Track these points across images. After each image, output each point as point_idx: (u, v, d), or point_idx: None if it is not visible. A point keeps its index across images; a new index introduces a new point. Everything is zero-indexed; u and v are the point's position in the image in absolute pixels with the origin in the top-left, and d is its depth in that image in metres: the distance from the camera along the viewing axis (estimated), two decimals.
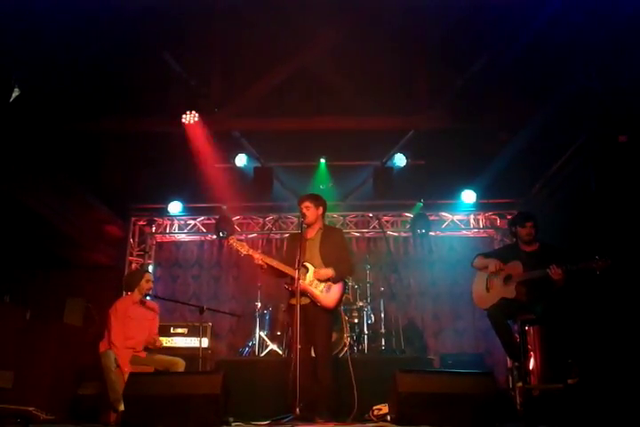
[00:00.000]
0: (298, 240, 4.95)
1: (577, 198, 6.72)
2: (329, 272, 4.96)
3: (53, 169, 7.12)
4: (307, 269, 4.98)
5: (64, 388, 6.48)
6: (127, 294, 5.82)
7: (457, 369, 6.15)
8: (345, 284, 5.21)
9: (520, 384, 4.91)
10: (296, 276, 4.76)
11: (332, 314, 5.13)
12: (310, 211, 5.12)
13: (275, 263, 4.94)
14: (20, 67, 5.78)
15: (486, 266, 5.25)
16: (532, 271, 4.94)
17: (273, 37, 5.99)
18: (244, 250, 5.01)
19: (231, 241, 5.24)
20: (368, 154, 7.77)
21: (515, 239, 5.38)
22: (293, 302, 4.85)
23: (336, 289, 5.00)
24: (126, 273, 8.54)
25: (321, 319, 4.94)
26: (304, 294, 4.87)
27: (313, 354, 5.02)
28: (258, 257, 4.95)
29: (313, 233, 5.17)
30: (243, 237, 8.88)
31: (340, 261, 5.06)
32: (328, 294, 4.96)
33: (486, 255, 5.45)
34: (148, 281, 5.70)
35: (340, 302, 5.10)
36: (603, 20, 5.20)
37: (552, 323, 4.99)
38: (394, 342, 7.36)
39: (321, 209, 5.19)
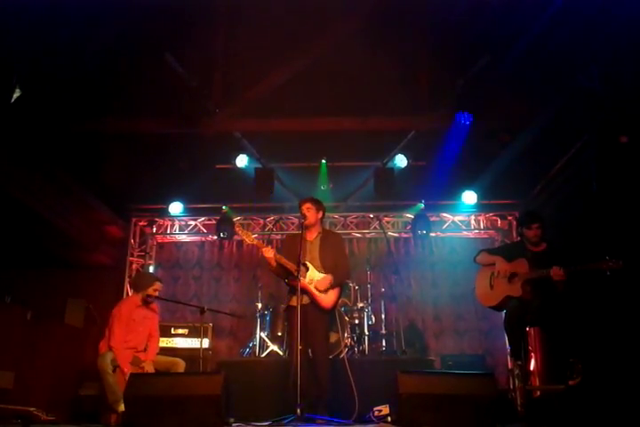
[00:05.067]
0: (297, 240, 4.97)
1: (578, 199, 6.71)
2: (328, 280, 5.00)
3: (54, 169, 7.12)
4: (307, 268, 5.01)
5: (65, 388, 6.48)
6: (132, 294, 5.80)
7: (457, 370, 6.15)
8: (342, 288, 5.25)
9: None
10: (298, 276, 4.77)
11: (329, 315, 5.17)
12: (311, 212, 5.16)
13: (278, 257, 4.96)
14: (22, 67, 5.78)
15: (492, 263, 5.22)
16: (538, 270, 4.93)
17: (274, 38, 5.99)
18: (249, 239, 5.04)
19: (237, 229, 5.28)
20: (369, 155, 7.76)
21: (521, 238, 5.37)
22: (293, 303, 4.87)
23: (333, 292, 5.05)
24: (139, 272, 8.58)
25: (318, 320, 4.98)
26: (304, 292, 4.89)
27: (310, 355, 5.03)
28: (267, 249, 4.95)
29: (312, 236, 5.21)
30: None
31: (338, 266, 5.11)
32: (326, 296, 5.01)
33: (491, 252, 5.44)
34: (155, 290, 5.68)
35: (336, 304, 5.16)
36: (603, 20, 5.19)
37: (553, 324, 5.00)
38: (394, 342, 7.35)
39: (321, 213, 5.26)
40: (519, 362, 5.04)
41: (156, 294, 5.71)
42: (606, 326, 5.58)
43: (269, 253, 4.93)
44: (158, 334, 5.81)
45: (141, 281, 5.85)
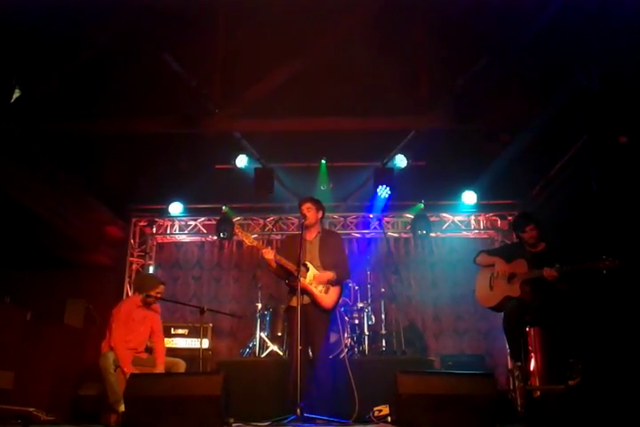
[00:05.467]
0: (297, 241, 4.97)
1: (577, 199, 6.71)
2: (329, 275, 5.00)
3: (54, 170, 7.12)
4: (307, 269, 5.01)
5: (65, 389, 6.48)
6: (133, 295, 5.80)
7: (457, 370, 6.15)
8: (342, 287, 5.25)
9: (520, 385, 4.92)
10: (298, 276, 4.77)
11: (330, 315, 5.16)
12: (311, 212, 5.17)
13: (277, 257, 4.96)
14: (21, 67, 5.79)
15: (491, 264, 5.24)
16: (535, 271, 4.94)
17: (274, 38, 5.98)
18: (249, 241, 5.05)
19: (237, 230, 5.30)
20: (369, 155, 7.76)
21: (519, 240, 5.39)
22: (293, 303, 4.86)
23: (334, 291, 5.05)
24: (144, 274, 8.56)
25: (319, 320, 4.98)
26: (304, 292, 4.89)
27: (311, 355, 5.04)
28: (267, 250, 4.95)
29: (312, 236, 5.22)
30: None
31: (338, 266, 5.11)
32: (327, 295, 5.00)
33: (490, 253, 5.45)
34: (158, 293, 5.68)
35: (337, 303, 5.15)
36: (603, 20, 5.19)
37: (553, 324, 5.00)
38: (394, 343, 7.35)
39: (320, 213, 5.27)
40: (519, 363, 5.03)
41: (159, 296, 5.71)
42: (605, 325, 5.58)
43: (269, 254, 4.93)
44: (162, 334, 5.81)
45: (145, 283, 5.84)
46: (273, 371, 5.72)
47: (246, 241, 5.06)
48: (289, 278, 4.99)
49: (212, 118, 6.44)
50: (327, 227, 8.54)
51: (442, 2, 5.75)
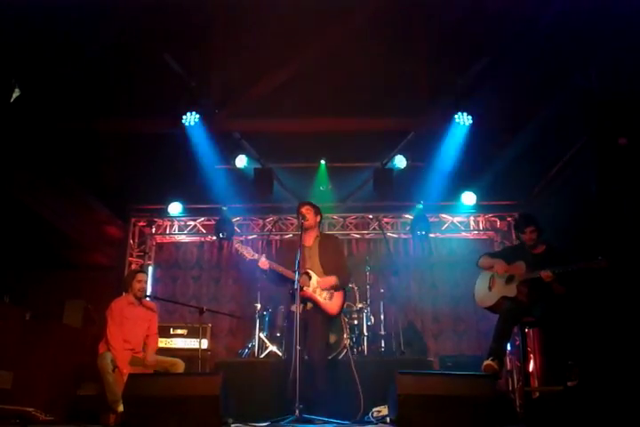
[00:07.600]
0: (296, 248, 4.95)
1: (577, 200, 6.71)
2: (332, 280, 5.02)
3: (54, 170, 7.12)
4: (309, 277, 5.02)
5: (63, 389, 6.47)
6: (124, 295, 5.83)
7: (456, 371, 6.14)
8: (346, 292, 5.27)
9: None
10: (296, 281, 4.76)
11: (332, 319, 5.18)
12: (310, 214, 5.20)
13: (280, 269, 4.97)
14: (21, 67, 5.79)
15: (492, 266, 5.26)
16: (532, 272, 4.95)
17: (274, 38, 5.99)
18: (249, 255, 5.05)
19: (236, 245, 5.30)
20: (368, 155, 7.76)
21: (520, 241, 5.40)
22: (295, 308, 4.86)
23: (338, 297, 5.07)
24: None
25: (320, 325, 5.00)
26: (309, 300, 4.92)
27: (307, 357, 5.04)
28: (264, 261, 4.96)
29: (311, 241, 5.23)
30: (242, 238, 8.87)
31: (339, 270, 5.13)
32: (331, 302, 5.03)
33: (492, 255, 5.47)
34: (139, 281, 5.70)
35: (342, 309, 5.18)
36: (602, 20, 5.20)
37: (551, 325, 4.99)
38: (393, 343, 7.35)
39: (319, 217, 5.31)
40: (491, 358, 4.87)
41: (141, 284, 5.72)
42: (604, 326, 5.58)
43: (264, 265, 4.94)
44: (157, 333, 5.82)
45: (126, 279, 5.92)
46: (272, 371, 5.71)
47: (247, 255, 5.05)
48: (292, 288, 4.96)
49: (212, 118, 6.45)
50: (326, 227, 8.55)
51: (442, 2, 5.75)
